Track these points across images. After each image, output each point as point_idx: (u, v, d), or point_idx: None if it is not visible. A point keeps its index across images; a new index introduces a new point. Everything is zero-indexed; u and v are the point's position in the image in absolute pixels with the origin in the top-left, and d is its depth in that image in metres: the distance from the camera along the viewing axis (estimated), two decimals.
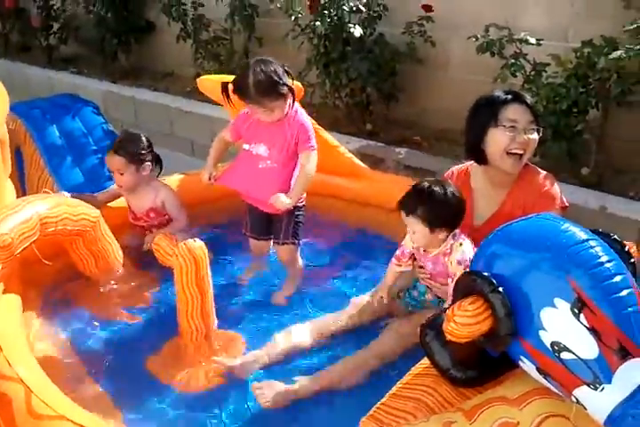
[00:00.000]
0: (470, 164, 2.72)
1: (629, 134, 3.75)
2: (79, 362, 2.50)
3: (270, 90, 2.65)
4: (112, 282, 2.93)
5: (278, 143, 2.78)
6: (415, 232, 2.39)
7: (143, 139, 3.14)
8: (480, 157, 2.56)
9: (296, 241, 2.97)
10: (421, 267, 2.57)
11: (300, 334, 2.55)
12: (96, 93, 5.93)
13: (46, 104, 3.90)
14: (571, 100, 3.43)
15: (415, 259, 2.58)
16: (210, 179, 2.90)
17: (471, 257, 2.30)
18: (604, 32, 3.46)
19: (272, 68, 2.67)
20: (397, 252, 2.59)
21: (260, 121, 2.80)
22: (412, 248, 2.54)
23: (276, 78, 2.65)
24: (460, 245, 2.39)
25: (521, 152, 2.47)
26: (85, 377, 2.42)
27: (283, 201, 2.71)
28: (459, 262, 2.37)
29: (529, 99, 2.54)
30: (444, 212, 2.35)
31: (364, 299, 2.71)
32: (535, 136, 2.48)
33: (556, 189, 2.56)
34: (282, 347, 2.49)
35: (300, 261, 3.06)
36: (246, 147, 2.86)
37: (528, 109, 2.48)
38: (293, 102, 2.75)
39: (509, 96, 2.50)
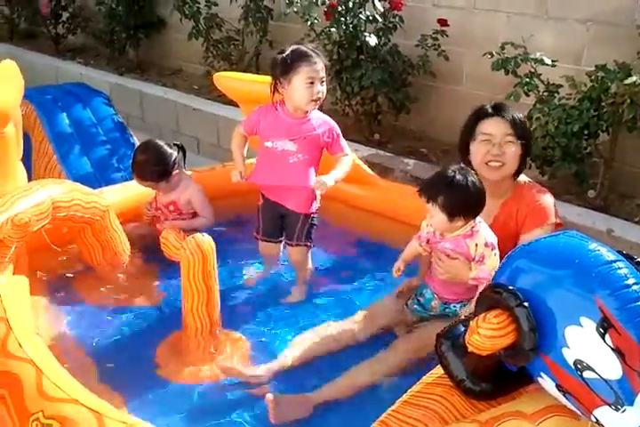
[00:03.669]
0: None
1: (638, 160, 3.79)
2: (82, 351, 2.48)
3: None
4: (118, 273, 2.91)
5: (307, 138, 2.75)
6: (434, 217, 2.40)
7: (162, 149, 3.07)
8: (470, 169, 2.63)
9: (309, 243, 2.96)
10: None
11: (312, 346, 2.50)
12: (102, 85, 5.87)
13: (58, 91, 3.90)
14: (582, 123, 3.45)
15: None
16: (241, 178, 2.85)
17: (493, 240, 2.40)
18: (617, 57, 3.50)
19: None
20: (417, 235, 2.61)
21: (278, 117, 2.79)
22: (427, 233, 2.54)
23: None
24: (482, 226, 2.44)
25: (497, 164, 2.57)
26: (88, 367, 2.40)
27: (325, 181, 2.68)
28: (486, 245, 2.39)
29: (512, 112, 2.62)
30: (463, 201, 2.35)
31: (374, 307, 2.70)
32: (512, 148, 2.57)
33: (550, 205, 2.61)
34: (293, 360, 2.45)
35: (311, 264, 3.04)
36: (269, 144, 2.79)
37: (506, 123, 2.58)
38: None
39: (489, 110, 2.63)
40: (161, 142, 3.11)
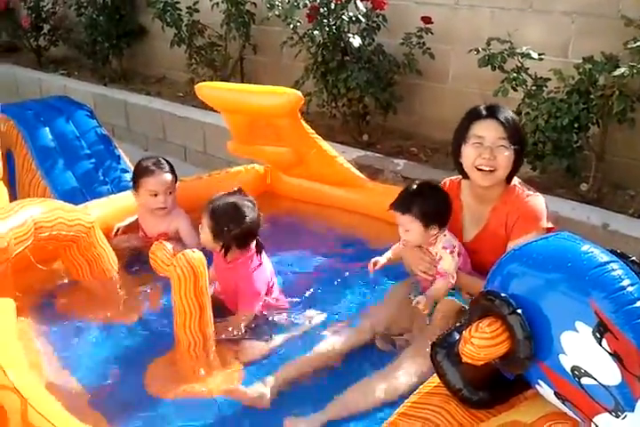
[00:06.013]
0: None
1: (629, 152, 3.75)
2: (70, 371, 2.41)
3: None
4: (106, 289, 2.85)
5: (229, 287, 2.72)
6: (410, 230, 2.52)
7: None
8: (461, 171, 2.62)
9: None
10: None
11: (314, 360, 2.45)
12: (86, 96, 5.84)
13: (39, 106, 3.83)
14: (572, 116, 3.40)
15: None
16: None
17: (455, 244, 2.55)
18: (604, 49, 3.46)
19: None
20: None
21: (217, 262, 2.74)
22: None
23: None
24: (445, 235, 2.55)
25: (487, 168, 2.47)
26: (77, 386, 2.33)
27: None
28: (444, 247, 2.52)
29: (507, 114, 2.50)
30: (435, 208, 2.51)
31: (376, 308, 2.70)
32: (504, 153, 2.45)
33: (541, 210, 2.51)
34: (294, 375, 2.38)
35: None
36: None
37: (500, 126, 2.46)
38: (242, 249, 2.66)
39: (482, 111, 2.51)
40: None
